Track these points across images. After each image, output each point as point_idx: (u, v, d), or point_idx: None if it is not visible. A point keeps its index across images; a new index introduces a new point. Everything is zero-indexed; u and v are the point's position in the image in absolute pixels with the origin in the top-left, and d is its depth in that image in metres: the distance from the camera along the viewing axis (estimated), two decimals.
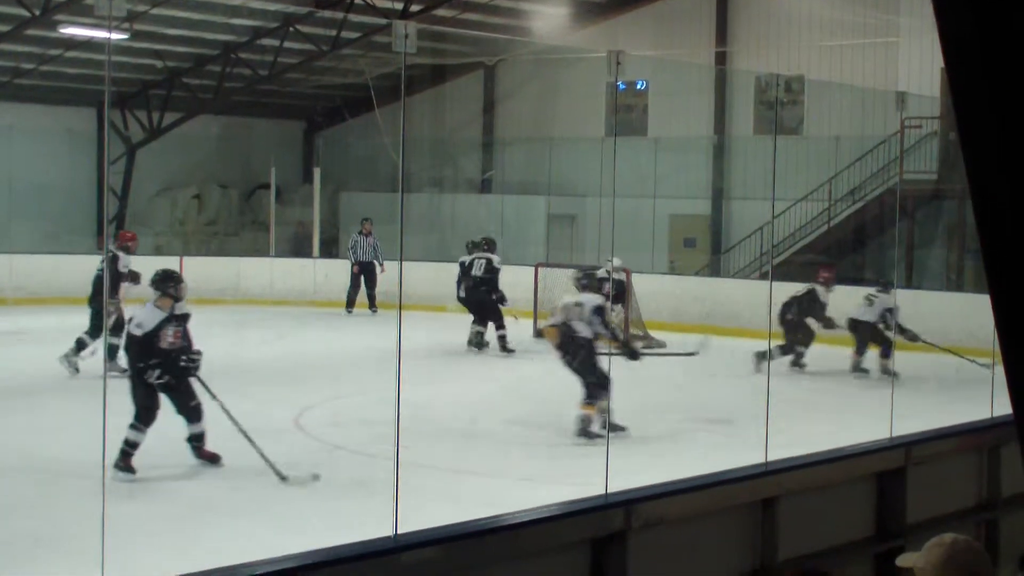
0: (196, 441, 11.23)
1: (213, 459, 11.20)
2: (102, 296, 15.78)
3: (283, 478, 10.51)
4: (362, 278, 24.25)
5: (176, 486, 10.74)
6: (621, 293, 19.87)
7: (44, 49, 26.09)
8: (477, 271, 19.87)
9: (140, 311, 11.19)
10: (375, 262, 24.32)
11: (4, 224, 27.00)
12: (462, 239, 22.51)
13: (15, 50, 25.77)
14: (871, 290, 17.81)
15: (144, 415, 10.81)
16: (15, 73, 27.06)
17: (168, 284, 11.32)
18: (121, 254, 16.31)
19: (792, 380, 16.70)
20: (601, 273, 20.29)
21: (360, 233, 24.69)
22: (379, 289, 24.28)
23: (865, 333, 17.14)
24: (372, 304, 24.04)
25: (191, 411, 11.13)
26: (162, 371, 10.81)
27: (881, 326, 16.94)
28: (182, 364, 11.00)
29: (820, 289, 17.58)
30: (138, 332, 10.90)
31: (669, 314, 22.15)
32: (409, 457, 7.36)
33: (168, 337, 10.87)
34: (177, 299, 11.20)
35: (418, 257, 23.96)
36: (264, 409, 14.33)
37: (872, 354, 17.14)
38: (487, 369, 18.17)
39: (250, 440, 10.90)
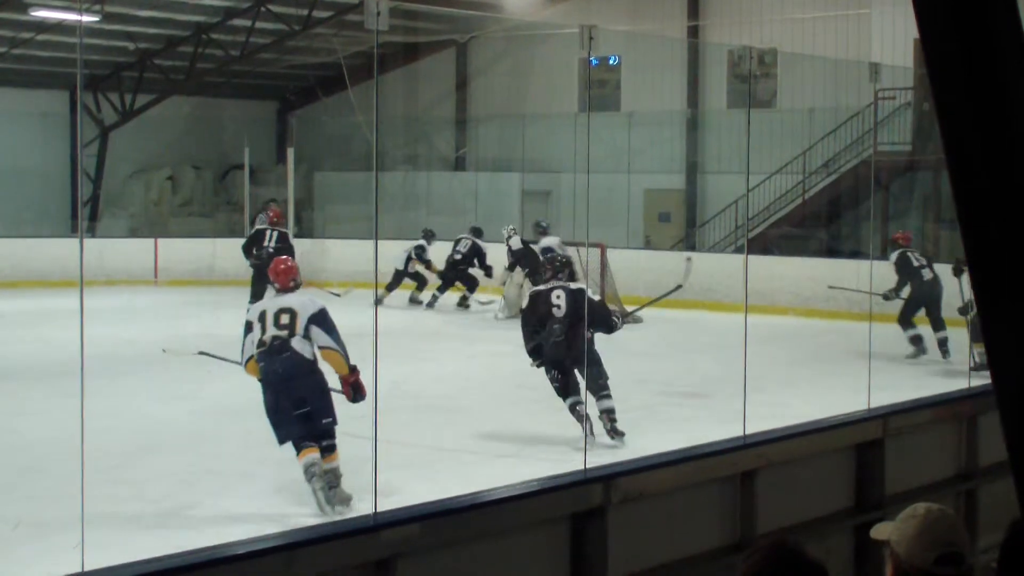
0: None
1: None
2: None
3: None
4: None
5: (154, 467, 10.71)
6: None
7: (15, 32, 25.92)
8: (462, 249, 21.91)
9: None
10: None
11: None
12: (436, 216, 22.52)
13: None
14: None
15: None
16: None
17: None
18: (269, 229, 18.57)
19: (768, 353, 16.73)
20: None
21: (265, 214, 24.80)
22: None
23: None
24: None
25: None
26: None
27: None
28: None
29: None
30: None
31: (645, 289, 22.14)
32: (387, 434, 7.36)
33: None
34: None
35: (392, 235, 23.92)
36: (243, 390, 14.30)
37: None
38: (464, 346, 18.17)
39: None
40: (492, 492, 5.93)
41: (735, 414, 9.59)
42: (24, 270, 23.72)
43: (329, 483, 9.23)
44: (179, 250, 26.15)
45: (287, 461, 10.88)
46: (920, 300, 16.68)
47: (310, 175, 31.65)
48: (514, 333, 16.78)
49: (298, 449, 9.35)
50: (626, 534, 6.14)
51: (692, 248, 26.79)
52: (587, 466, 6.40)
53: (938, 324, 16.54)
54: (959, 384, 9.12)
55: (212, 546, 4.72)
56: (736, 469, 6.94)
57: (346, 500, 9.17)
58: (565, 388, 11.52)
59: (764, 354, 15.90)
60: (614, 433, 11.16)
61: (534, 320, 11.76)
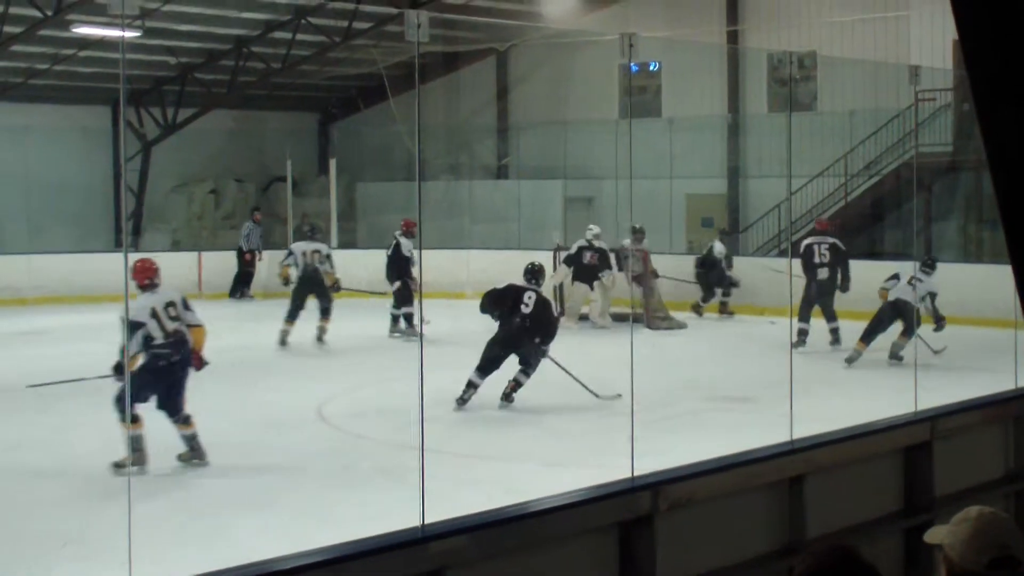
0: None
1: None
2: (394, 277, 19.02)
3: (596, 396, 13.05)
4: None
5: (198, 481, 10.75)
6: (605, 260, 20.25)
7: (57, 49, 26.12)
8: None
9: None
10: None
11: (22, 224, 27.09)
12: (480, 225, 22.50)
13: (29, 51, 25.80)
14: (897, 266, 17.55)
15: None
16: (29, 74, 27.10)
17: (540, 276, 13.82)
18: (403, 239, 19.04)
19: (812, 357, 16.66)
20: (581, 242, 20.58)
21: (253, 222, 25.04)
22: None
23: (910, 316, 16.55)
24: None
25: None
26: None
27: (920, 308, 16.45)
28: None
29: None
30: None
31: (689, 293, 22.12)
32: (432, 444, 7.36)
33: None
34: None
35: (436, 245, 23.95)
36: (286, 400, 14.37)
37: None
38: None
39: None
40: (540, 502, 5.92)
41: (782, 418, 9.55)
42: (69, 286, 23.87)
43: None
44: (223, 263, 26.27)
45: (330, 472, 10.92)
46: (811, 300, 17.70)
47: (352, 186, 31.73)
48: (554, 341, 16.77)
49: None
50: (674, 541, 6.13)
51: (735, 252, 26.70)
52: (635, 474, 6.39)
53: (830, 316, 17.88)
54: (1006, 385, 9.04)
55: (259, 561, 4.73)
56: (784, 474, 6.91)
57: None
58: (487, 367, 13.75)
59: (810, 357, 15.88)
60: (506, 399, 13.72)
61: (501, 303, 13.95)
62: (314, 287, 18.56)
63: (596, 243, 20.47)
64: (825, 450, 7.27)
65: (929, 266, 16.84)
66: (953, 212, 25.33)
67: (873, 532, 7.35)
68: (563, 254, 21.13)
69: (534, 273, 14.43)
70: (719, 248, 21.87)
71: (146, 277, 11.17)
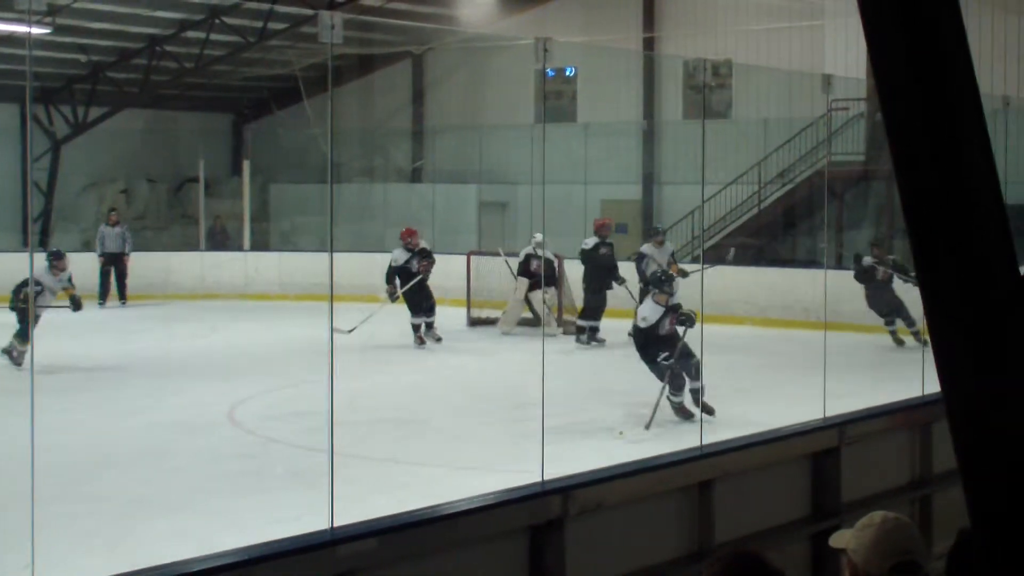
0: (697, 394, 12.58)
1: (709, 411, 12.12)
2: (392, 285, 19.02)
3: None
4: (112, 269, 24.20)
5: (105, 483, 10.63)
6: (552, 273, 20.04)
7: None
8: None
9: (644, 307, 13.57)
10: (124, 252, 24.38)
11: None
12: (393, 229, 22.36)
13: None
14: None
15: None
16: None
17: (664, 284, 13.42)
18: (398, 250, 19.03)
19: (724, 363, 16.77)
20: (528, 250, 20.43)
21: (107, 224, 24.58)
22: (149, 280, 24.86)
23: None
24: (122, 295, 24.16)
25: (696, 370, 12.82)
26: (669, 354, 12.94)
27: None
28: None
29: None
30: (643, 325, 13.18)
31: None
32: (344, 447, 7.33)
33: (666, 326, 13.12)
34: (671, 294, 13.31)
35: (349, 247, 23.86)
36: (197, 403, 14.25)
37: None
38: (419, 359, 18.13)
39: None
40: (450, 505, 5.91)
41: (691, 425, 9.62)
42: None
43: None
44: (134, 264, 25.98)
45: (241, 475, 10.86)
46: None
47: (266, 187, 31.54)
48: (468, 345, 16.83)
49: None
50: (585, 545, 6.14)
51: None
52: (544, 478, 6.40)
53: None
54: (913, 392, 9.16)
55: (167, 564, 4.69)
56: (693, 479, 6.95)
57: None
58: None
59: (720, 364, 15.96)
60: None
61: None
62: None
63: (539, 251, 20.30)
64: (734, 455, 7.33)
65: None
66: (864, 221, 25.64)
67: (781, 537, 7.42)
68: (513, 261, 20.82)
69: None
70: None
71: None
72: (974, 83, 2.20)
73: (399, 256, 18.89)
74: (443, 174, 30.52)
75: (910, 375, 9.71)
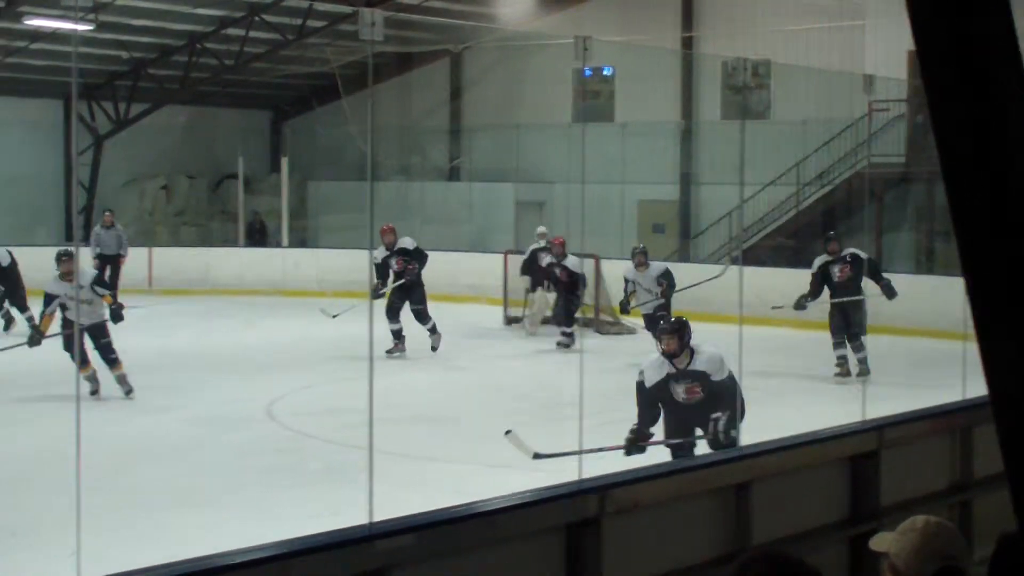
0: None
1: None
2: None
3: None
4: (107, 270, 23.23)
5: (143, 477, 10.69)
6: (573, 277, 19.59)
7: (9, 41, 25.91)
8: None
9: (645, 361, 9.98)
10: (120, 253, 23.78)
11: None
12: (430, 227, 22.43)
13: None
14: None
15: None
16: None
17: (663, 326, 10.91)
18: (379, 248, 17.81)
19: (762, 365, 16.71)
20: (534, 246, 20.19)
21: (102, 226, 24.09)
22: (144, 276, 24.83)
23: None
24: (113, 296, 23.60)
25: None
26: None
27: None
28: None
29: None
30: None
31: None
32: (381, 444, 7.35)
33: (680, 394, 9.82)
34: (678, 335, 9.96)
35: None
36: (234, 398, 14.31)
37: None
38: (457, 356, 18.13)
39: None
40: (487, 502, 5.91)
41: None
42: None
43: None
44: (174, 259, 26.15)
45: (277, 470, 10.89)
46: None
47: (303, 185, 31.65)
48: (503, 344, 16.84)
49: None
50: (621, 545, 6.13)
51: (686, 259, 26.78)
52: (582, 476, 6.39)
53: None
54: (954, 396, 9.10)
55: (206, 555, 4.70)
56: (730, 481, 6.93)
57: None
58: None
59: (758, 366, 15.88)
60: None
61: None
62: None
63: (543, 242, 20.22)
64: (771, 457, 7.29)
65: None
66: (905, 223, 25.51)
67: (818, 539, 7.39)
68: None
69: None
70: None
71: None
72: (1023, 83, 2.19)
73: (378, 254, 17.87)
74: (480, 173, 30.54)
75: (951, 378, 9.66)
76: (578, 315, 19.29)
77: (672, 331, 9.31)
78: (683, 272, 22.98)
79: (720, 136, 26.88)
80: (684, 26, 28.44)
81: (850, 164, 25.60)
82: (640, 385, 9.30)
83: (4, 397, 13.91)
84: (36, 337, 14.09)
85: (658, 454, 8.81)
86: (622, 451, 9.01)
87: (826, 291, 16.06)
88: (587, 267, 19.98)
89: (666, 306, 16.95)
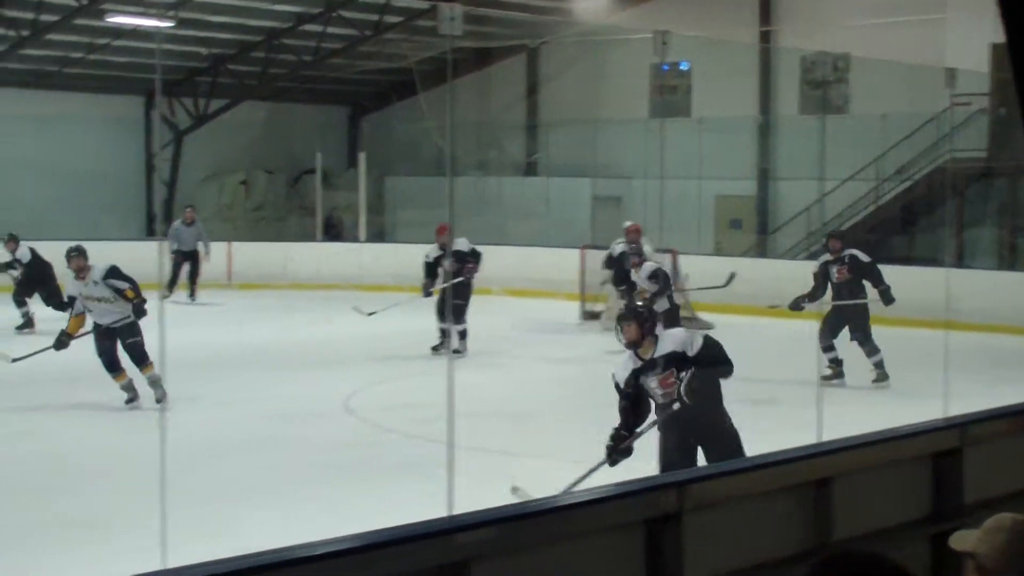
0: None
1: None
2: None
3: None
4: (186, 266, 23.67)
5: (222, 471, 10.79)
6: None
7: (92, 38, 26.24)
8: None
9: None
10: (199, 249, 23.74)
11: (54, 211, 27.22)
12: (508, 222, 22.39)
13: (64, 40, 25.95)
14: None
15: None
16: (63, 63, 27.25)
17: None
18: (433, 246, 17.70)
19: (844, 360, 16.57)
20: (619, 243, 19.66)
21: (183, 222, 24.08)
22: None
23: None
24: (192, 292, 23.56)
25: None
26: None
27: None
28: None
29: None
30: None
31: (715, 295, 22.03)
32: (458, 439, 7.38)
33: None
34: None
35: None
36: (312, 392, 14.40)
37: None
38: (530, 353, 18.13)
39: None
40: (567, 497, 5.92)
41: (807, 422, 9.53)
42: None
43: None
44: (252, 254, 26.36)
45: (356, 464, 10.95)
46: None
47: (381, 180, 31.79)
48: (580, 339, 16.82)
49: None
50: (701, 540, 6.11)
51: (763, 255, 26.63)
52: (660, 472, 6.39)
53: None
54: None
55: (289, 547, 4.74)
56: (810, 477, 6.88)
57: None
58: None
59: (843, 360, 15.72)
60: None
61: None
62: None
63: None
64: (852, 454, 7.23)
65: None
66: (987, 218, 25.20)
67: (900, 537, 7.32)
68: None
69: None
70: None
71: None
72: None
73: (431, 252, 17.78)
74: (557, 168, 30.54)
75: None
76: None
77: (630, 317, 8.58)
78: (760, 268, 22.95)
79: (798, 131, 26.68)
80: (762, 20, 28.30)
81: (931, 159, 25.32)
82: (616, 386, 8.68)
83: (84, 389, 14.05)
84: (63, 340, 13.40)
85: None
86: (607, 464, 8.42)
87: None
88: (665, 262, 19.88)
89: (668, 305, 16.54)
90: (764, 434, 11.53)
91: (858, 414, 11.60)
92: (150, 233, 29.08)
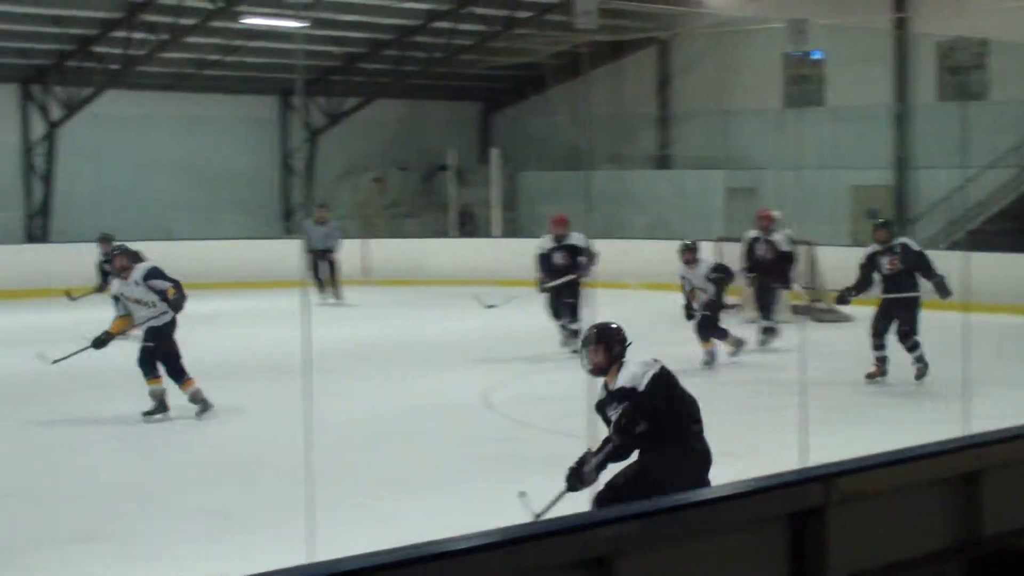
0: None
1: None
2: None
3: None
4: (325, 265, 22.93)
5: (368, 463, 10.88)
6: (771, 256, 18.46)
7: (228, 40, 26.69)
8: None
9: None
10: (327, 248, 23.00)
11: (194, 212, 27.75)
12: (641, 215, 22.28)
13: (200, 42, 26.44)
14: None
15: None
16: (200, 65, 27.76)
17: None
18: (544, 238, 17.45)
19: (988, 353, 16.23)
20: (753, 234, 18.93)
21: (314, 221, 23.57)
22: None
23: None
24: (336, 292, 22.90)
25: None
26: None
27: None
28: None
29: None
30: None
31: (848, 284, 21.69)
32: (595, 432, 7.36)
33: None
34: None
35: (599, 234, 23.90)
36: (451, 387, 14.48)
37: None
38: (667, 344, 17.98)
39: None
40: (710, 490, 5.88)
41: (954, 415, 9.36)
42: (239, 272, 24.34)
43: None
44: (388, 250, 26.62)
45: (497, 458, 10.98)
46: None
47: (514, 175, 31.89)
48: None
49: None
50: (846, 534, 6.02)
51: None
52: (804, 465, 6.31)
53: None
54: None
55: (432, 541, 4.76)
56: (959, 470, 6.75)
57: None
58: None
59: (987, 352, 15.33)
60: None
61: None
62: None
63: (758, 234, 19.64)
64: (1004, 446, 7.08)
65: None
66: None
67: None
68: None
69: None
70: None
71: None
72: None
73: (543, 244, 17.27)
74: (690, 160, 30.39)
75: None
76: (794, 302, 18.95)
77: (595, 340, 7.53)
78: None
79: (936, 118, 26.21)
80: (897, 6, 27.84)
81: None
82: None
83: (233, 385, 14.27)
84: (101, 339, 12.77)
85: (877, 444, 8.62)
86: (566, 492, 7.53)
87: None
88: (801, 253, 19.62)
89: (715, 304, 16.20)
90: (909, 426, 11.39)
91: (1009, 407, 11.37)
92: (287, 232, 29.51)
